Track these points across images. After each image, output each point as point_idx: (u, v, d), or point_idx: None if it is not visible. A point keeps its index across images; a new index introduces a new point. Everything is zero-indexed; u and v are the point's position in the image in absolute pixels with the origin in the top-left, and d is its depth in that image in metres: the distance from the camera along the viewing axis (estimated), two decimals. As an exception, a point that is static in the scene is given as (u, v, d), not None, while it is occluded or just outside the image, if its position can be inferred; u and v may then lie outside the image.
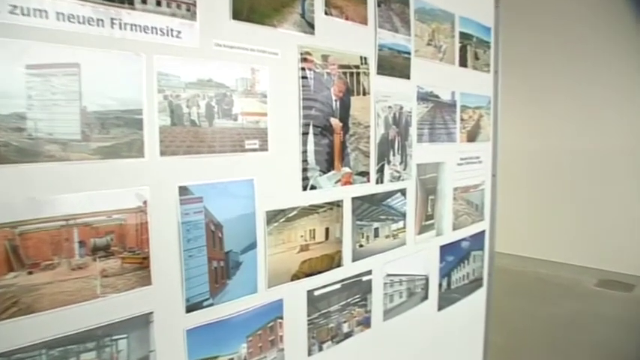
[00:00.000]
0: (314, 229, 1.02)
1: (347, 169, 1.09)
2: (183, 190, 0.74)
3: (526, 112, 3.56)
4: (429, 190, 1.38)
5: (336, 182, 1.06)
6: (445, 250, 1.47)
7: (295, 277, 0.99)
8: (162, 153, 0.71)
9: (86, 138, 0.60)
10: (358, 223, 1.14)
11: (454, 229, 1.50)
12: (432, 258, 1.43)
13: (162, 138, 0.70)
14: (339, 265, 1.10)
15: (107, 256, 0.65)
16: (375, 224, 1.20)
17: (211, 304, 0.81)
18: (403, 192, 1.27)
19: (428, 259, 1.40)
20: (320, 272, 1.04)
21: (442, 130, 1.37)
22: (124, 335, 0.67)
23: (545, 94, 3.48)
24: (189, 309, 0.77)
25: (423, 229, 1.37)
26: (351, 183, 1.10)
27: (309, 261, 1.02)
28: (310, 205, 1.00)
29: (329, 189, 1.04)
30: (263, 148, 0.86)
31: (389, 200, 1.23)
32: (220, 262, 0.81)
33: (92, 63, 0.60)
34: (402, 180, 1.26)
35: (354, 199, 1.11)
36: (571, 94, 3.34)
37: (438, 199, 1.42)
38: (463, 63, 1.40)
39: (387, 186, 1.21)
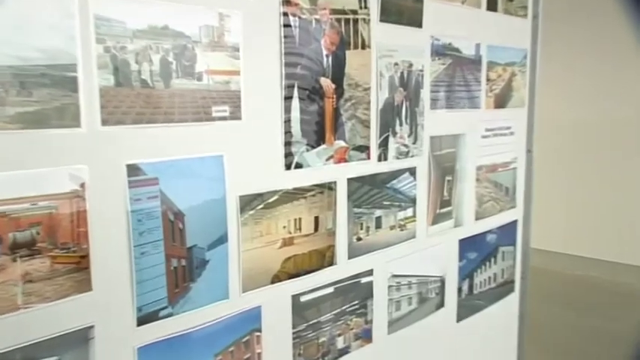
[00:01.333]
0: (300, 219, 1.03)
1: (341, 143, 1.10)
2: (132, 170, 0.73)
3: (574, 70, 3.37)
4: (445, 170, 1.39)
5: (328, 159, 1.07)
6: (466, 244, 1.48)
7: (276, 278, 1.00)
8: (105, 122, 0.69)
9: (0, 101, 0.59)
10: (356, 210, 1.16)
11: (477, 218, 1.52)
12: (450, 255, 1.45)
13: (105, 102, 0.68)
14: (331, 263, 1.12)
15: (32, 254, 0.62)
16: (377, 212, 1.22)
17: (170, 314, 0.80)
18: (412, 171, 1.29)
19: (444, 256, 1.43)
20: (308, 272, 1.06)
21: (463, 93, 1.36)
22: (55, 358, 0.65)
23: (602, 46, 3.23)
24: (142, 321, 0.77)
25: (437, 219, 1.39)
26: (346, 160, 1.11)
27: (294, 258, 1.03)
28: (295, 189, 1.01)
29: (319, 168, 1.05)
30: (235, 115, 0.86)
31: (394, 182, 1.25)
32: (181, 261, 0.80)
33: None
34: (412, 156, 1.27)
35: (350, 180, 1.13)
36: (634, 46, 3.18)
37: (457, 181, 1.44)
38: (492, 6, 1.38)
39: (392, 164, 1.23)
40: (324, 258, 1.10)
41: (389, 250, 1.26)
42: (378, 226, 1.22)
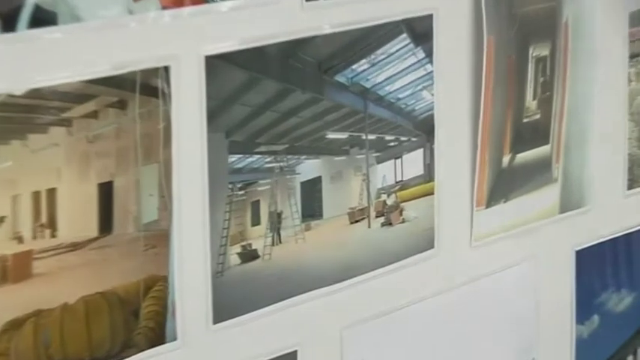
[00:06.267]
0: (52, 192, 1.08)
1: None
2: None
3: None
4: (530, 31, 1.47)
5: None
6: (597, 266, 1.58)
7: None
8: None
9: None
10: (237, 163, 1.24)
11: (635, 183, 1.57)
12: (548, 300, 1.55)
13: None
14: (159, 338, 1.18)
15: None
16: (307, 166, 1.31)
17: None
18: (418, 32, 1.37)
19: (527, 306, 1.51)
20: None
21: None
22: None
23: None
24: None
25: (503, 185, 1.47)
26: (204, -1, 1.09)
27: (38, 324, 1.07)
28: (27, 96, 1.05)
29: (108, 26, 1.09)
30: None
31: (362, 68, 1.33)
32: None
33: None
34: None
35: (215, 61, 1.19)
36: None
37: (568, 66, 1.51)
38: None
39: (349, 11, 1.28)
40: (133, 322, 1.15)
41: (346, 290, 1.32)
42: (310, 212, 1.31)
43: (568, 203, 1.47)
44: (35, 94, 1.03)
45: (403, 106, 1.24)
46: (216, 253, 1.15)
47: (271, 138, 1.17)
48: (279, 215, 1.20)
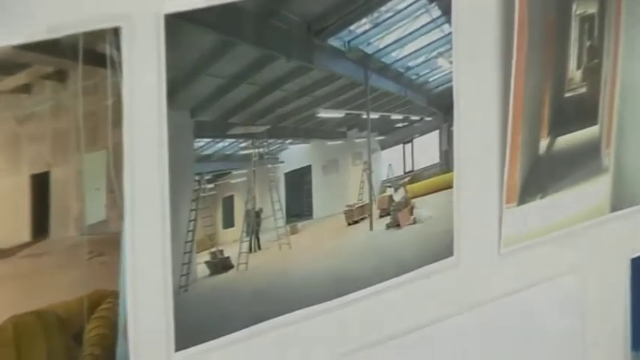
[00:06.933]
0: None
1: None
2: None
3: None
4: None
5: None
6: None
7: None
8: None
9: None
10: (202, 149, 1.30)
11: None
12: (595, 319, 1.53)
13: None
14: None
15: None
16: (291, 152, 1.37)
17: None
18: None
19: (563, 327, 1.50)
20: None
21: None
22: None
23: None
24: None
25: (536, 181, 1.40)
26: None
27: None
28: None
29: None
30: None
31: (363, 30, 1.27)
32: None
33: None
34: None
35: (173, 20, 1.23)
36: None
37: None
38: None
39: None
40: (76, 348, 1.17)
41: (342, 309, 1.27)
42: (297, 210, 1.34)
43: (621, 199, 1.45)
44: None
45: (414, 76, 1.23)
46: (179, 263, 1.13)
47: (248, 117, 1.16)
48: (257, 214, 1.18)
